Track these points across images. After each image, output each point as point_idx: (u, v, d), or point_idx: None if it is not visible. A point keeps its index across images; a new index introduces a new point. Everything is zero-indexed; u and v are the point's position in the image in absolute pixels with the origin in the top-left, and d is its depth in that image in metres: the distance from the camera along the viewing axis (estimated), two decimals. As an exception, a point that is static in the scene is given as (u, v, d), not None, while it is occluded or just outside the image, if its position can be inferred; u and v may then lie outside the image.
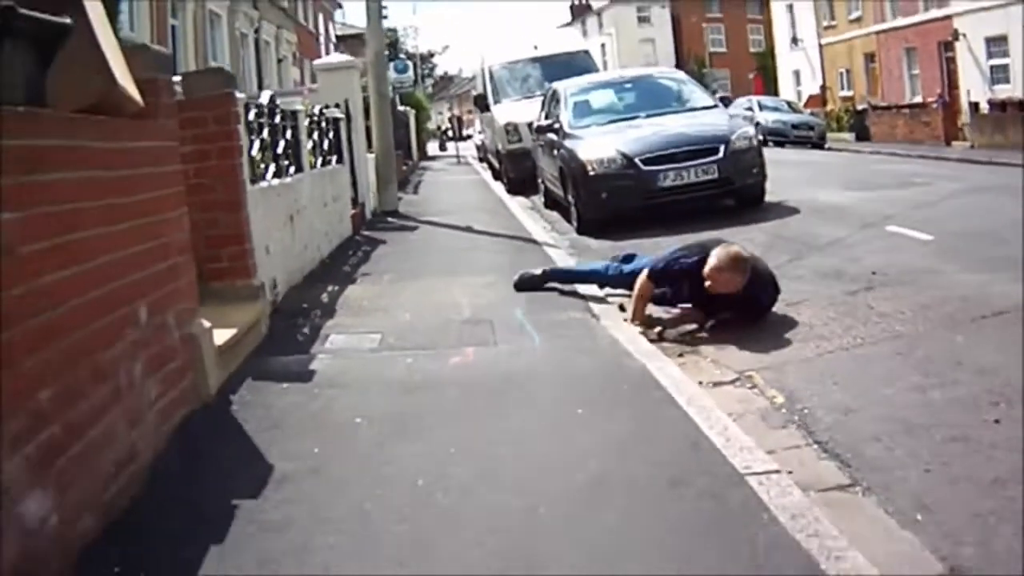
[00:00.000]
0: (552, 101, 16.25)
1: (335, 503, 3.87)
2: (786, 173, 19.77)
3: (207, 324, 5.22)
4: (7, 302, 2.98)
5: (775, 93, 53.77)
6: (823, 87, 49.98)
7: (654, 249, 8.92)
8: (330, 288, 8.82)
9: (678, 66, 70.70)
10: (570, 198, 13.61)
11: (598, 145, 13.17)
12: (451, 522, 3.65)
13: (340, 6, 56.78)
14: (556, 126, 14.93)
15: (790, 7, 55.24)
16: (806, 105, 47.89)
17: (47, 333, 3.29)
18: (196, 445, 4.57)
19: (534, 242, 11.85)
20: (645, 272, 7.31)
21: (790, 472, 4.12)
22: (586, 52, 25.49)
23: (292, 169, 9.20)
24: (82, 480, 3.45)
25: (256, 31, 29.77)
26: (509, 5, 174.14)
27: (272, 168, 8.23)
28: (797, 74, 54.84)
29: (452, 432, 4.69)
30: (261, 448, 4.54)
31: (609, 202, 12.57)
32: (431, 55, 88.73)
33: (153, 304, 4.39)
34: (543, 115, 16.49)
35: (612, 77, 17.98)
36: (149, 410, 4.26)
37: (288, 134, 9.12)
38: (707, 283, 6.79)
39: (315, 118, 11.20)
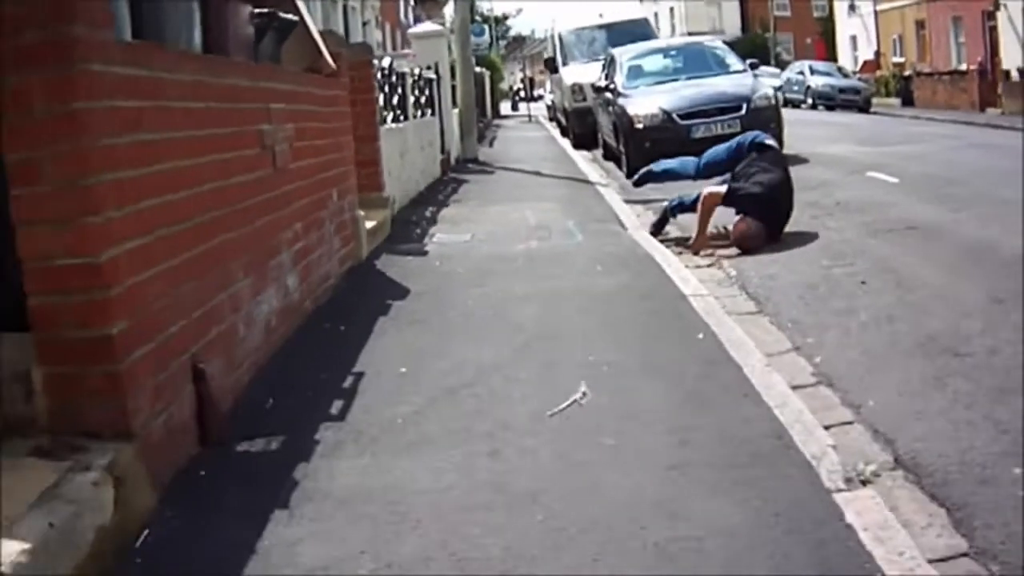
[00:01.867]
0: (610, 65, 18.78)
1: (448, 301, 6.68)
2: (815, 132, 22.23)
3: (361, 213, 8.02)
4: (291, 172, 5.78)
5: (834, 58, 55.58)
6: (877, 53, 51.55)
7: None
8: (430, 208, 11.64)
9: (743, 30, 72.61)
10: (620, 148, 16.24)
11: (644, 103, 15.71)
12: (516, 308, 6.42)
13: (416, -34, 59.04)
14: (612, 86, 17.51)
15: (849, -27, 56.72)
16: (861, 70, 49.55)
17: (300, 193, 6.08)
18: (359, 280, 7.39)
19: (589, 183, 14.51)
20: (720, 190, 9.01)
21: (718, 298, 6.80)
22: (645, 20, 27.92)
23: (402, 117, 11.98)
24: (311, 276, 6.26)
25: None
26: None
27: (390, 116, 11.01)
28: (854, 39, 56.33)
29: (516, 278, 7.46)
30: (400, 282, 7.35)
31: (652, 150, 15.04)
32: (505, 17, 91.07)
33: (339, 191, 7.20)
34: (603, 77, 19.02)
35: (661, 45, 20.38)
36: (335, 254, 7.06)
37: (399, 91, 11.90)
38: None
39: (415, 79, 13.95)
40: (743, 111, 14.90)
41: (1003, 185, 11.38)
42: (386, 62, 11.29)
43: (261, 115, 5.24)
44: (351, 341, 5.68)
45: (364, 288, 7.17)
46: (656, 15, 79.79)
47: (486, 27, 45.17)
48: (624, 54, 18.54)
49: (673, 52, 18.70)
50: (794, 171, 13.42)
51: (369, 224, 8.34)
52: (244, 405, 4.48)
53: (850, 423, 4.51)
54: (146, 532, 3.30)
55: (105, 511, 3.15)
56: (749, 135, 9.85)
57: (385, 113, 10.74)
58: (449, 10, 29.42)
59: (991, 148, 17.01)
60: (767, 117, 15.08)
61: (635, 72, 17.64)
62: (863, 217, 10.05)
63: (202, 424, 4.01)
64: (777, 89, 39.03)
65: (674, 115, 15.11)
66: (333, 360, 5.28)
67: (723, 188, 9.01)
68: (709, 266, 8.43)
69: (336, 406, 4.52)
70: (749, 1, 74.39)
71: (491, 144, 24.63)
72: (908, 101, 39.53)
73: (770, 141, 9.57)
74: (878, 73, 47.26)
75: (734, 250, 8.72)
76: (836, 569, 2.95)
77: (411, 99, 12.91)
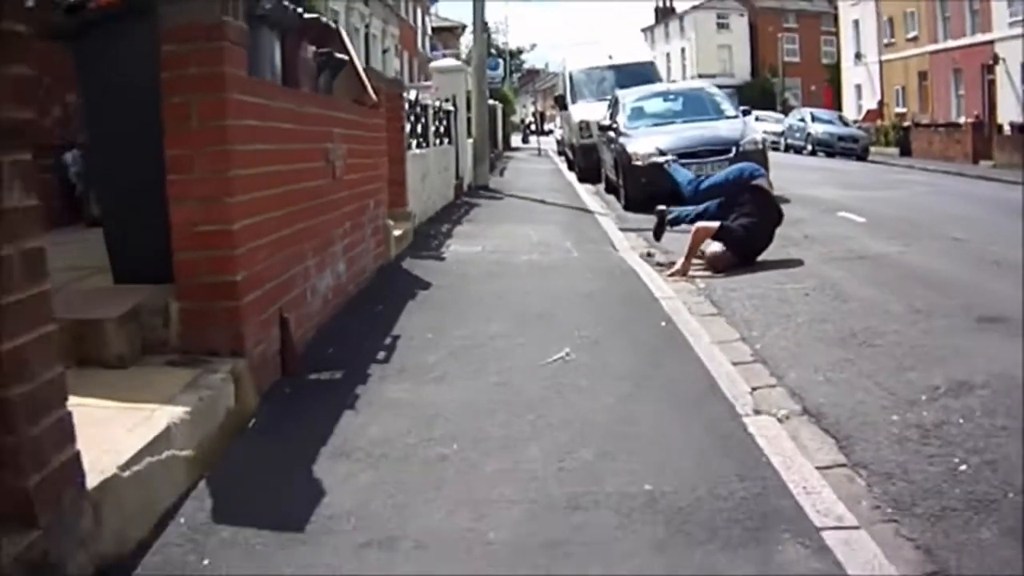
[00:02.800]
0: (614, 105, 20.39)
1: (463, 293, 8.21)
2: (806, 176, 23.81)
3: (391, 222, 9.55)
4: (344, 183, 7.30)
5: (839, 105, 57.41)
6: (880, 102, 53.38)
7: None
8: (446, 225, 13.20)
9: (752, 74, 74.41)
10: (620, 182, 17.79)
11: (643, 142, 17.24)
12: (517, 298, 7.94)
13: (436, 0, 61.26)
14: (615, 126, 19.10)
15: (856, 23, 58.51)
16: (864, 119, 51.32)
17: (349, 200, 7.60)
18: (389, 275, 8.92)
19: (589, 211, 16.05)
20: (712, 226, 10.34)
21: (685, 303, 8.29)
22: (651, 63, 29.58)
23: (424, 144, 13.54)
24: (354, 266, 7.76)
25: (366, 26, 34.17)
26: (597, 5, 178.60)
27: (414, 142, 12.56)
28: (859, 88, 58.14)
29: (519, 280, 8.98)
30: (422, 278, 8.88)
31: (647, 186, 16.58)
32: (520, 52, 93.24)
33: (375, 202, 8.73)
34: (607, 116, 20.61)
35: (662, 89, 21.95)
36: (371, 253, 8.58)
37: (423, 120, 13.46)
38: None
39: (436, 110, 15.54)
40: (732, 154, 16.37)
41: (956, 227, 12.92)
42: (413, 95, 12.86)
43: (326, 136, 6.77)
44: (387, 316, 7.20)
45: (394, 281, 8.70)
46: (668, 55, 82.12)
47: (500, 61, 46.95)
48: (627, 96, 20.17)
49: (673, 96, 20.31)
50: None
51: (396, 232, 9.87)
52: (310, 351, 5.97)
53: (772, 386, 5.97)
54: (253, 420, 4.78)
55: (230, 398, 4.62)
56: (748, 167, 11.28)
57: (410, 140, 12.28)
58: (466, 39, 31.10)
59: (959, 196, 18.59)
60: (754, 160, 16.51)
61: (637, 113, 19.23)
62: (824, 248, 11.52)
63: (284, 359, 5.49)
64: (780, 135, 40.95)
65: (669, 154, 16.59)
66: (374, 327, 6.79)
67: (715, 224, 10.46)
68: (683, 280, 9.90)
69: (380, 355, 6.03)
70: (760, 46, 76.32)
71: (501, 174, 26.22)
72: (906, 151, 41.08)
73: (763, 182, 10.95)
74: (879, 123, 48.84)
75: (709, 272, 10.18)
76: (735, 455, 4.41)
77: (432, 128, 14.48)
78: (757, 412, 5.13)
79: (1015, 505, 3.90)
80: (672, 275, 9.95)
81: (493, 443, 4.49)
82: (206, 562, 3.30)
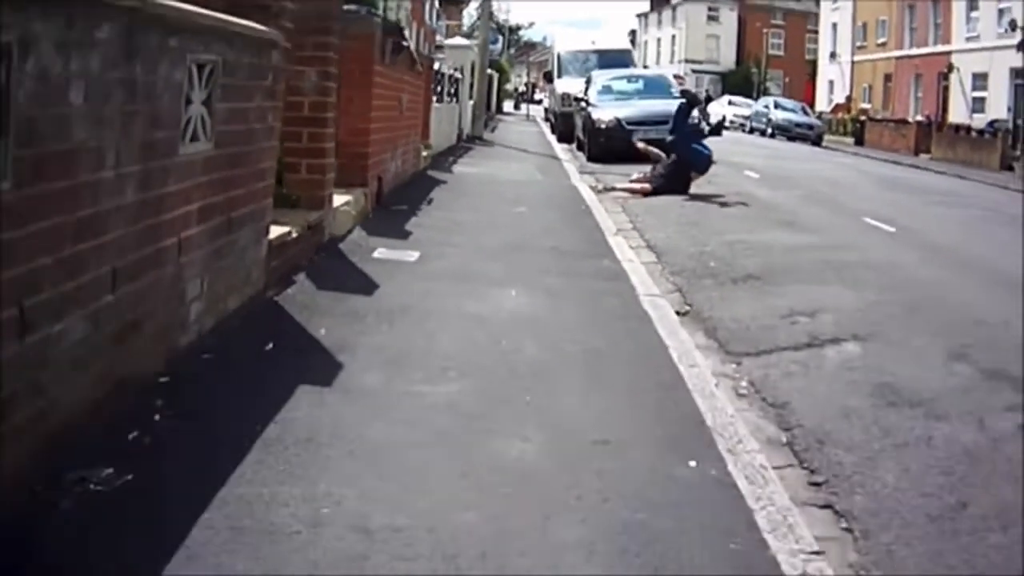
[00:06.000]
0: (588, 83, 26.20)
1: (466, 187, 14.01)
2: (746, 148, 29.56)
3: (421, 146, 15.35)
4: (404, 117, 13.06)
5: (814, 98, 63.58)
6: (848, 97, 59.16)
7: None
8: (451, 157, 19.00)
9: (737, 63, 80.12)
10: (585, 140, 23.61)
11: (605, 112, 23.03)
12: (500, 190, 13.72)
13: (446, -27, 66.65)
14: (586, 98, 24.90)
15: (834, 25, 64.27)
16: (832, 111, 57.25)
17: (407, 126, 13.34)
18: (421, 177, 14.70)
19: (558, 159, 21.85)
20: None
21: (603, 205, 14.07)
22: (628, 50, 35.52)
23: (440, 100, 19.30)
24: (405, 164, 13.51)
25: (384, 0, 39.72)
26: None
27: (435, 98, 18.30)
28: (831, 83, 63.91)
29: (501, 186, 14.77)
30: (441, 179, 14.67)
31: (605, 144, 22.37)
32: (519, 28, 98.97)
33: (415, 132, 14.49)
34: (583, 91, 26.38)
35: (628, 73, 27.73)
36: (410, 161, 14.32)
37: (442, 84, 19.21)
38: None
39: (450, 77, 21.28)
40: (669, 124, 22.07)
41: (826, 185, 18.85)
42: (437, 65, 18.60)
43: (400, 90, 12.47)
44: (424, 189, 13.05)
45: (424, 178, 14.50)
46: (659, 41, 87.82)
47: (500, 37, 52.58)
48: (600, 76, 26.02)
49: (636, 79, 26.13)
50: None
51: (424, 153, 15.63)
52: (388, 197, 11.71)
53: (631, 232, 11.70)
54: (370, 215, 10.53)
55: (363, 202, 10.35)
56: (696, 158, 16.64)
57: (433, 96, 18.01)
58: (471, 8, 36.67)
59: (859, 171, 24.79)
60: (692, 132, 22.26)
61: (605, 90, 25.00)
62: (715, 188, 17.22)
63: (378, 198, 11.24)
64: (747, 118, 46.89)
65: (623, 122, 22.39)
66: (419, 193, 12.59)
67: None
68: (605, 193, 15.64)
69: (425, 202, 11.83)
70: (746, 38, 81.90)
71: (493, 131, 31.91)
72: (859, 141, 46.97)
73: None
74: (841, 115, 54.66)
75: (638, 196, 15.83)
76: (599, 246, 10.15)
77: (446, 89, 20.23)
78: (616, 234, 10.89)
79: (728, 276, 9.60)
80: (607, 190, 15.71)
81: (484, 230, 10.27)
82: (368, 242, 9.01)
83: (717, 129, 16.99)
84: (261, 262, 6.29)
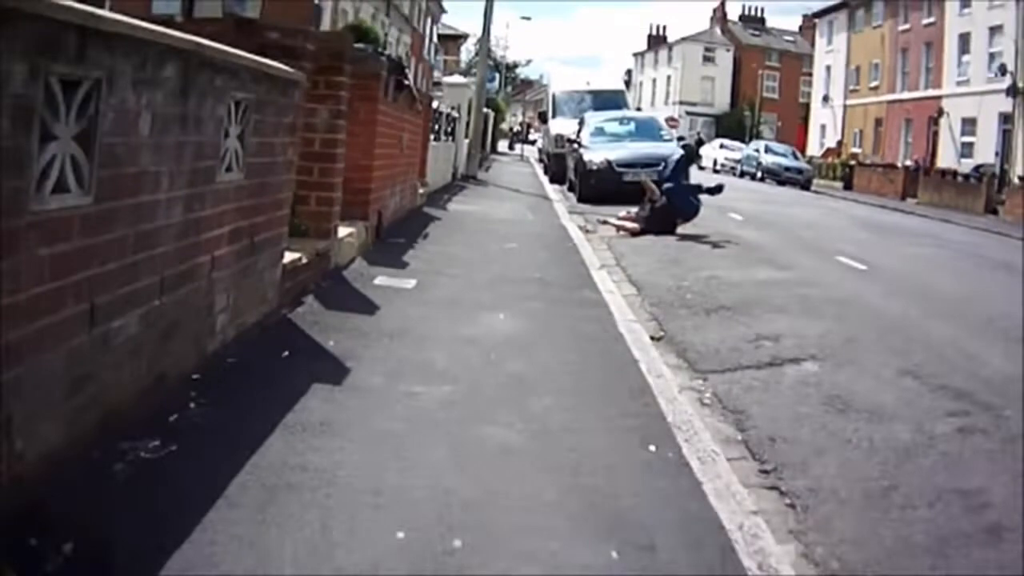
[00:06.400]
0: (581, 124, 27.12)
1: (461, 225, 14.83)
2: (736, 193, 30.37)
3: (417, 183, 16.18)
4: (403, 156, 13.91)
5: (805, 141, 64.75)
6: (839, 142, 60.35)
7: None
8: (446, 195, 19.84)
9: (732, 106, 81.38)
10: (576, 181, 24.47)
11: (597, 154, 23.91)
12: (492, 228, 14.55)
13: (445, 11, 68.00)
14: (579, 140, 25.81)
15: (828, 68, 65.52)
16: (823, 155, 58.40)
17: (405, 166, 14.18)
18: (417, 212, 15.52)
19: (549, 199, 22.70)
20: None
21: (590, 243, 14.90)
22: (622, 91, 36.55)
23: (437, 138, 20.16)
24: (403, 201, 14.34)
25: (386, 34, 40.67)
26: (595, 26, 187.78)
27: (432, 136, 19.16)
28: (823, 127, 65.14)
29: (493, 224, 15.60)
30: (436, 216, 15.50)
31: (596, 186, 23.24)
32: (516, 65, 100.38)
33: (412, 172, 15.33)
34: (576, 132, 27.30)
35: (620, 115, 28.67)
36: (408, 197, 15.15)
37: (439, 122, 20.08)
38: None
39: (446, 115, 22.17)
40: (661, 167, 22.94)
41: (805, 228, 19.70)
42: (435, 104, 19.48)
43: (401, 128, 13.31)
44: (420, 224, 13.84)
45: (420, 214, 15.31)
46: (655, 81, 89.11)
47: (497, 75, 53.71)
48: (593, 118, 26.97)
49: (628, 121, 27.05)
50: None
51: (420, 191, 16.46)
52: (388, 232, 12.51)
53: (615, 267, 12.52)
54: (370, 247, 11.34)
55: (364, 235, 11.14)
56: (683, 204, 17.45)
57: (431, 135, 18.87)
58: (466, 46, 37.57)
59: (842, 214, 25.66)
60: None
61: (597, 131, 25.92)
62: (699, 230, 18.07)
63: (377, 232, 12.04)
64: (738, 162, 47.95)
65: (614, 164, 23.26)
66: (416, 229, 13.38)
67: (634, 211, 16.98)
68: (602, 245, 16.48)
69: (422, 236, 12.63)
70: (742, 80, 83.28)
71: (487, 170, 32.81)
72: (848, 186, 48.13)
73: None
74: (831, 160, 55.77)
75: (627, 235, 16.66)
76: (583, 278, 10.96)
77: (443, 128, 21.11)
78: (600, 268, 11.70)
79: (702, 307, 10.41)
80: (601, 223, 16.55)
81: (476, 264, 11.06)
82: (369, 271, 9.79)
83: (716, 190, 17.74)
84: (276, 283, 7.07)
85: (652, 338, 8.41)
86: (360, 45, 10.61)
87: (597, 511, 4.20)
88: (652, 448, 5.14)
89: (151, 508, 3.74)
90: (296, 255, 7.64)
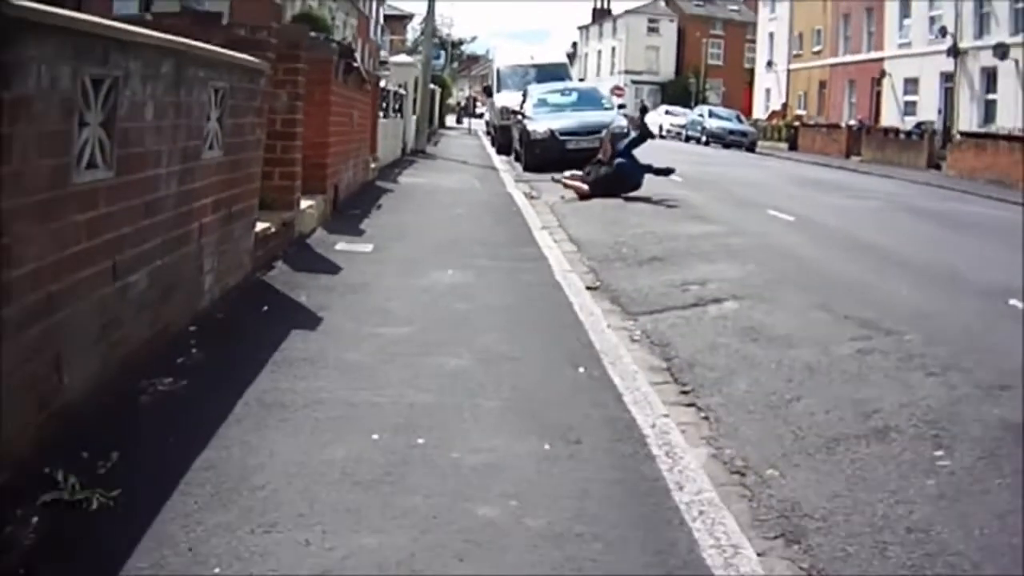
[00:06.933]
0: (525, 96, 28.07)
1: (411, 195, 15.80)
2: (676, 156, 31.48)
3: (370, 158, 17.13)
4: (355, 132, 14.84)
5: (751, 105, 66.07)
6: (784, 104, 61.59)
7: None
8: (396, 169, 20.79)
9: (677, 73, 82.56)
10: (521, 151, 25.45)
11: (540, 124, 24.87)
12: (440, 197, 15.54)
13: (389, -8, 68.65)
14: (523, 111, 26.75)
15: (771, 35, 66.77)
16: (769, 118, 59.66)
17: (357, 139, 15.12)
18: (370, 187, 16.47)
19: (496, 169, 23.68)
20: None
21: (535, 208, 15.92)
22: (565, 64, 37.45)
23: (386, 116, 21.08)
24: (355, 176, 15.29)
25: (333, 18, 41.38)
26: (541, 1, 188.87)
27: (381, 114, 20.08)
28: (768, 92, 66.39)
29: (442, 194, 16.57)
30: (389, 188, 16.46)
31: (540, 155, 24.20)
32: (461, 42, 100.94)
33: (363, 148, 16.27)
34: (520, 104, 28.23)
35: (562, 86, 29.61)
36: (361, 172, 16.10)
37: (387, 100, 20.99)
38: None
39: (394, 93, 23.07)
40: (602, 134, 23.95)
41: (740, 186, 20.83)
42: (383, 83, 20.38)
43: (352, 106, 14.24)
44: (374, 197, 14.80)
45: (373, 189, 16.25)
46: (600, 52, 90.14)
47: (443, 52, 54.51)
48: (536, 89, 27.90)
49: (569, 92, 28.03)
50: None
51: (372, 165, 17.40)
52: (344, 204, 13.45)
53: (557, 228, 13.54)
54: (329, 218, 12.29)
55: (323, 207, 12.09)
56: (629, 169, 18.30)
57: (379, 112, 19.79)
58: (413, 24, 38.31)
59: (776, 173, 26.86)
60: (619, 137, 24.16)
61: (541, 103, 26.85)
62: (644, 193, 19.06)
63: (335, 204, 12.98)
64: (683, 127, 49.15)
65: (556, 133, 24.26)
66: (370, 200, 14.34)
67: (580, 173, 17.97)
68: (545, 205, 17.47)
69: (375, 207, 13.60)
70: (686, 49, 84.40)
71: (435, 144, 33.69)
72: (793, 146, 49.33)
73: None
74: (776, 122, 57.01)
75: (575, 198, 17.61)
76: (524, 239, 11.96)
77: (391, 105, 22.02)
78: (542, 229, 12.72)
79: (635, 260, 11.44)
80: (554, 181, 17.63)
81: (426, 231, 12.02)
82: (330, 239, 10.75)
83: (665, 172, 18.57)
84: (250, 250, 8.03)
85: (588, 288, 9.39)
86: (313, 34, 11.49)
87: (533, 416, 5.21)
88: (581, 369, 6.18)
89: (175, 426, 4.70)
90: (265, 225, 8.59)
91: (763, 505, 4.65)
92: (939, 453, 5.35)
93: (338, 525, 3.76)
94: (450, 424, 5.01)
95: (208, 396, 5.15)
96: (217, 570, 3.37)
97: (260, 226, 8.40)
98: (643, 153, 18.24)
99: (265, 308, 7.22)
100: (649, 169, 17.90)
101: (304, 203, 10.51)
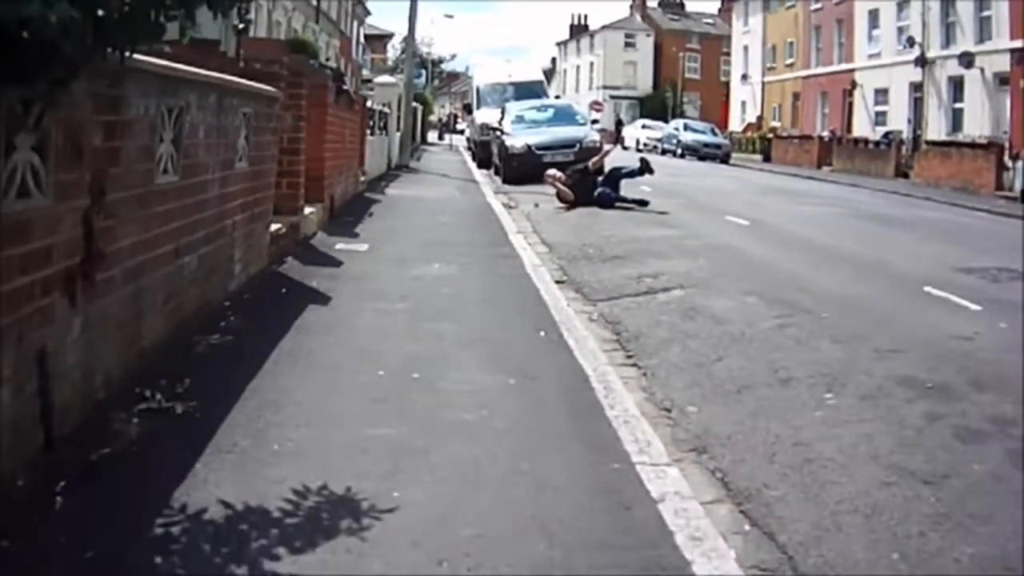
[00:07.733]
0: (504, 113, 29.73)
1: (397, 206, 17.39)
2: (656, 168, 33.16)
3: (358, 171, 18.74)
4: (347, 148, 16.44)
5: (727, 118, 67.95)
6: (759, 117, 63.45)
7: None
8: (383, 183, 22.39)
9: (655, 88, 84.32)
10: (500, 165, 27.10)
11: (518, 139, 26.53)
12: (425, 207, 17.11)
13: (369, 13, 70.23)
14: (502, 128, 28.42)
15: (746, 48, 68.63)
16: (744, 131, 61.52)
17: (348, 156, 16.72)
18: (359, 199, 18.06)
19: (475, 182, 25.30)
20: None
21: (511, 215, 17.53)
22: (541, 82, 39.07)
23: (372, 133, 22.69)
24: (346, 189, 16.88)
25: (315, 40, 43.03)
26: (520, 18, 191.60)
27: (368, 131, 21.68)
28: (744, 104, 68.25)
29: (426, 204, 18.15)
30: (377, 199, 18.05)
31: (518, 168, 25.80)
32: (441, 61, 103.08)
33: (353, 162, 17.88)
34: (499, 121, 29.89)
35: (539, 103, 31.27)
36: (352, 184, 17.69)
37: (373, 118, 22.61)
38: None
39: (379, 112, 24.70)
40: (576, 148, 25.62)
41: (704, 194, 22.46)
42: (370, 103, 22.00)
43: (344, 125, 15.85)
44: (365, 206, 16.41)
45: (363, 200, 17.85)
46: (578, 68, 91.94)
47: (424, 71, 56.24)
48: (513, 107, 29.59)
49: (545, 108, 29.72)
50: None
51: (361, 178, 19.01)
52: (339, 212, 15.02)
53: (531, 233, 15.14)
54: (327, 223, 13.87)
55: (322, 213, 13.67)
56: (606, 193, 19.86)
57: (367, 130, 21.39)
58: (393, 43, 39.81)
59: (741, 181, 28.65)
60: (591, 152, 25.73)
61: (518, 119, 28.52)
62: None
63: (331, 212, 14.57)
64: (659, 140, 50.88)
65: (533, 148, 25.89)
66: (361, 209, 15.93)
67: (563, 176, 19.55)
68: (521, 215, 19.06)
69: (367, 215, 15.20)
70: (663, 63, 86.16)
71: (418, 160, 35.35)
72: (767, 158, 51.05)
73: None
74: (750, 134, 58.83)
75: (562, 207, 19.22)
76: (498, 236, 13.59)
77: (377, 123, 23.64)
78: (517, 233, 14.33)
79: (599, 258, 13.03)
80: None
81: (414, 234, 13.58)
82: (330, 240, 12.33)
83: (641, 203, 19.46)
84: (266, 247, 9.62)
85: (557, 281, 10.93)
86: (312, 62, 13.09)
87: (501, 362, 6.82)
88: (542, 333, 7.82)
89: (227, 366, 6.29)
90: (277, 226, 10.18)
91: (682, 429, 6.15)
92: (828, 395, 6.87)
93: (358, 421, 5.35)
94: (438, 366, 6.60)
95: (249, 348, 6.71)
96: (276, 446, 4.93)
97: (273, 227, 9.97)
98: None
99: (284, 290, 8.85)
100: (624, 200, 19.23)
101: (307, 210, 12.07)
